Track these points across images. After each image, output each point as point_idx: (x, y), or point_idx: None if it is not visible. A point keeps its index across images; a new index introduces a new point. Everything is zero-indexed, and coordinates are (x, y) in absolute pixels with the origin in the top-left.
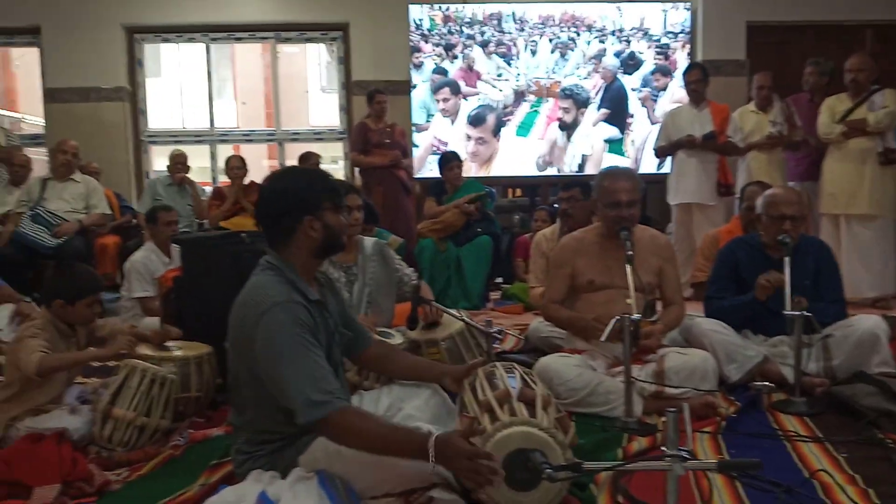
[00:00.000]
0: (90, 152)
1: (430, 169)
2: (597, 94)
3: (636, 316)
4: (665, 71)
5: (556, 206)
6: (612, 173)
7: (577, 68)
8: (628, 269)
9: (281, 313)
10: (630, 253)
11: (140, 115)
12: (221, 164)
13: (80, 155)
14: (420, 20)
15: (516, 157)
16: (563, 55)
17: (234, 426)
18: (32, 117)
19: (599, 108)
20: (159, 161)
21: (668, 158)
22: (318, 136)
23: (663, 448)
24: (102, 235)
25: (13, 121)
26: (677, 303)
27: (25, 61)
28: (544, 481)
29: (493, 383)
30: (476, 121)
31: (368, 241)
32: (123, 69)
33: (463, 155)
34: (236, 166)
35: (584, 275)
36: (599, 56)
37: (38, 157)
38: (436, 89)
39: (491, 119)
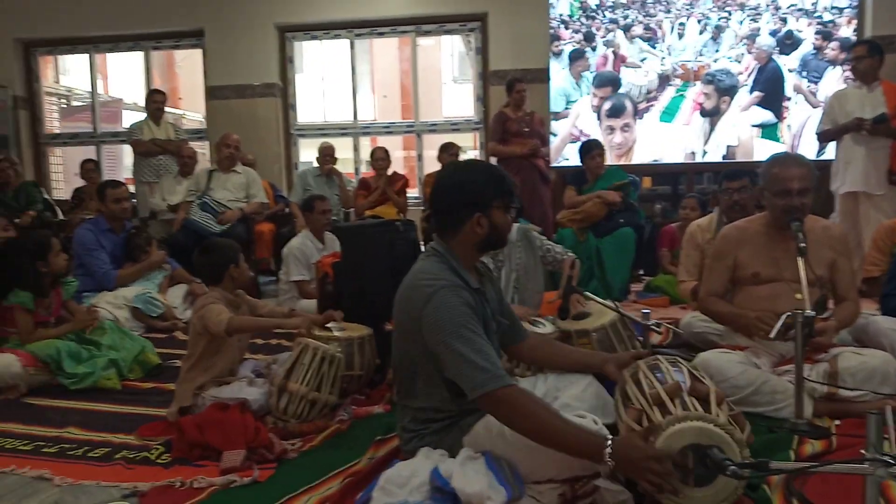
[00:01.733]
0: (246, 145)
1: (567, 158)
2: (749, 76)
3: (809, 312)
4: (830, 49)
5: (707, 194)
6: (782, 159)
7: (729, 49)
8: (800, 262)
9: (449, 294)
10: (803, 245)
11: (290, 109)
12: (363, 155)
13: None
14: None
15: (660, 143)
16: (713, 38)
17: (399, 405)
18: (192, 113)
19: (752, 90)
20: (306, 153)
21: (832, 144)
22: (455, 126)
23: (863, 451)
24: (259, 223)
25: (175, 117)
26: (851, 299)
27: (187, 63)
28: (720, 478)
29: (657, 376)
30: (614, 112)
31: (513, 227)
32: (276, 67)
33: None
34: (381, 157)
35: (747, 267)
36: (753, 36)
37: (200, 151)
38: (598, 84)
39: (629, 106)
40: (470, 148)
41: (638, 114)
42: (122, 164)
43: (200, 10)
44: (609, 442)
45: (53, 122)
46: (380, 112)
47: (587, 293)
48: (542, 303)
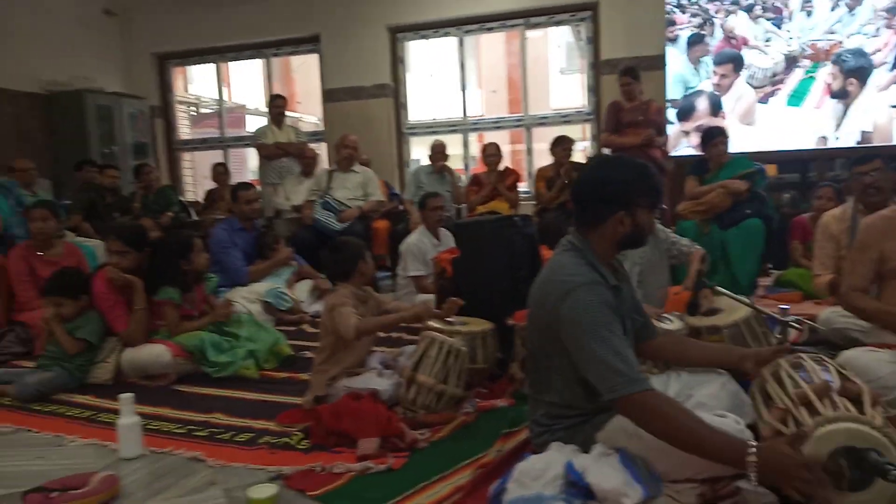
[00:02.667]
0: (360, 145)
1: (686, 147)
2: (890, 52)
3: None
4: None
5: (841, 182)
6: None
7: (865, 25)
8: None
9: (587, 292)
10: None
11: (401, 109)
12: (472, 151)
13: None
14: None
15: (786, 129)
16: (849, 10)
17: (531, 398)
18: (308, 116)
19: (893, 68)
20: (416, 151)
21: None
22: (565, 118)
23: None
24: (375, 220)
25: (292, 120)
26: None
27: (302, 67)
28: (878, 483)
29: (802, 375)
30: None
31: None
32: (387, 67)
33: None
34: (492, 153)
35: (894, 260)
36: (893, 9)
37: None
38: (719, 62)
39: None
40: (580, 140)
41: (763, 98)
42: (246, 166)
43: (316, 16)
44: (753, 449)
45: (184, 129)
46: (486, 107)
47: (718, 288)
48: (666, 298)
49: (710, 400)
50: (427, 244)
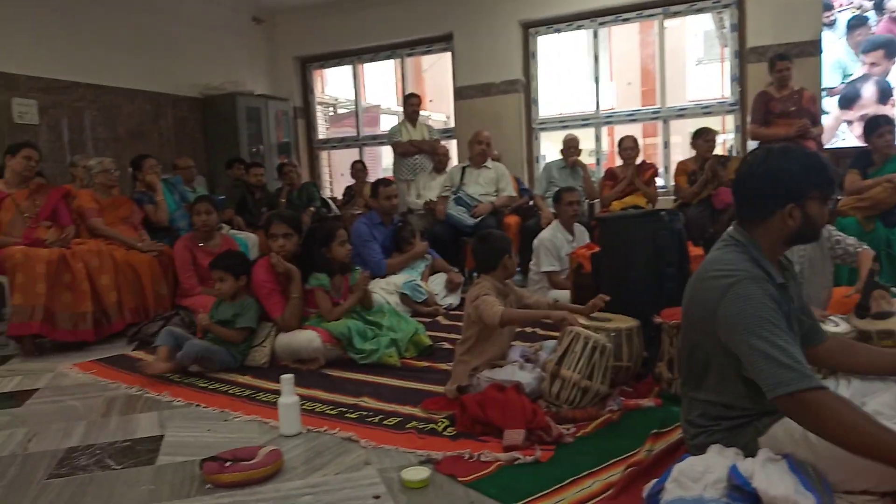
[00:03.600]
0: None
1: (843, 138)
2: None
3: None
4: None
5: None
6: None
7: None
8: None
9: (750, 286)
10: None
11: (532, 104)
12: (605, 146)
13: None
14: None
15: None
16: None
17: (686, 398)
18: (437, 114)
19: None
20: (546, 146)
21: None
22: (706, 109)
23: None
24: (506, 215)
25: (424, 118)
26: None
27: (433, 66)
28: None
29: None
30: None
31: None
32: (519, 63)
33: None
34: (630, 146)
35: None
36: None
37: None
38: (867, 49)
39: None
40: (720, 132)
41: None
42: (380, 163)
43: (450, 15)
44: None
45: (323, 129)
46: (618, 100)
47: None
48: (830, 299)
49: (887, 409)
50: (561, 239)
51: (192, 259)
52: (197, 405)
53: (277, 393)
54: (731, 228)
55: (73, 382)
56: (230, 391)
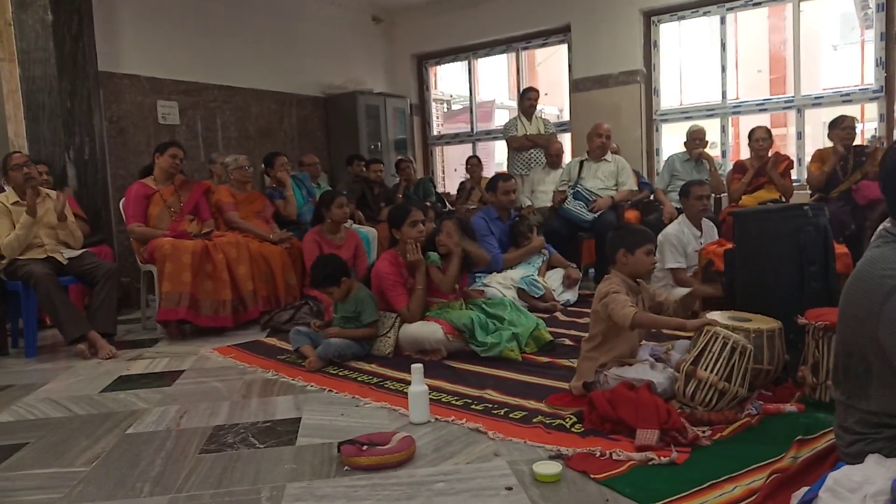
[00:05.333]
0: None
1: None
2: None
3: None
4: None
5: None
6: None
7: None
8: None
9: None
10: None
11: (653, 95)
12: (731, 137)
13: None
14: None
15: None
16: None
17: (842, 403)
18: (549, 107)
19: None
20: (667, 138)
21: None
22: (845, 97)
23: None
24: (626, 210)
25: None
26: None
27: (547, 59)
28: None
29: None
30: None
31: None
32: (639, 53)
33: None
34: (761, 137)
35: None
36: None
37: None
38: None
39: None
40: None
41: None
42: (493, 159)
43: (568, 6)
44: None
45: (437, 125)
46: (743, 89)
47: None
48: None
49: None
50: (688, 235)
51: (320, 251)
52: (329, 390)
53: (403, 381)
54: (886, 224)
55: (215, 365)
56: (359, 378)
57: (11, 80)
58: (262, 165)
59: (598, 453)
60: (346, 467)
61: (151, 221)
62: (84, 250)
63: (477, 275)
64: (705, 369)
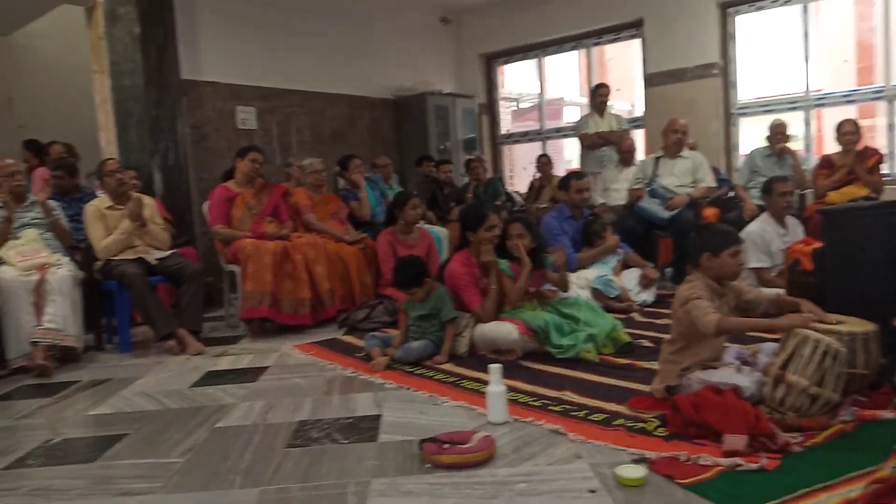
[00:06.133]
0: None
1: None
2: None
3: None
4: None
5: None
6: None
7: None
8: None
9: None
10: None
11: (730, 88)
12: (814, 130)
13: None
14: None
15: None
16: None
17: None
18: (619, 103)
19: None
20: (747, 132)
21: None
22: None
23: None
24: (704, 207)
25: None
26: None
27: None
28: None
29: None
30: None
31: None
32: (716, 45)
33: None
34: (850, 131)
35: None
36: None
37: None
38: None
39: None
40: None
41: None
42: (562, 157)
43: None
44: None
45: (506, 124)
46: (826, 80)
47: None
48: None
49: None
50: (772, 233)
51: (393, 251)
52: (407, 388)
53: (480, 381)
54: None
55: (296, 362)
56: (435, 377)
57: (103, 90)
58: (337, 168)
59: (684, 458)
60: (427, 465)
61: (234, 223)
62: (171, 251)
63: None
64: (796, 374)
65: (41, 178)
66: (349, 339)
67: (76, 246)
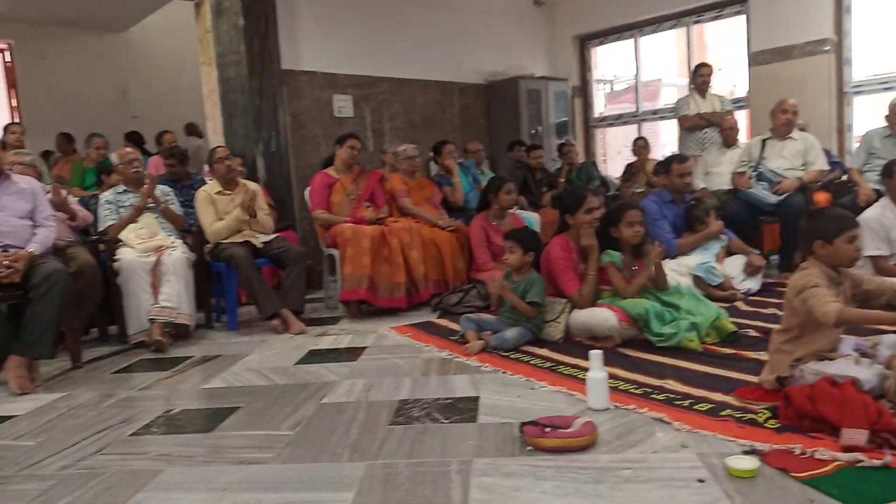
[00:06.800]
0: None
1: None
2: None
3: None
4: None
5: None
6: None
7: None
8: None
9: None
10: None
11: (844, 65)
12: None
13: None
14: None
15: None
16: None
17: None
18: (721, 83)
19: None
20: (861, 112)
21: None
22: None
23: None
24: (815, 192)
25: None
26: None
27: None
28: None
29: None
30: None
31: None
32: (829, 20)
33: None
34: None
35: None
36: None
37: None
38: None
39: None
40: None
41: None
42: (658, 139)
43: None
44: None
45: (600, 106)
46: None
47: None
48: None
49: None
50: (892, 219)
51: (486, 237)
52: (503, 372)
53: (577, 367)
54: None
55: (393, 343)
56: (531, 361)
57: (210, 81)
58: (431, 153)
59: (798, 451)
60: (528, 447)
61: (333, 209)
62: (275, 235)
63: None
64: None
65: (154, 166)
66: (443, 322)
67: (188, 230)
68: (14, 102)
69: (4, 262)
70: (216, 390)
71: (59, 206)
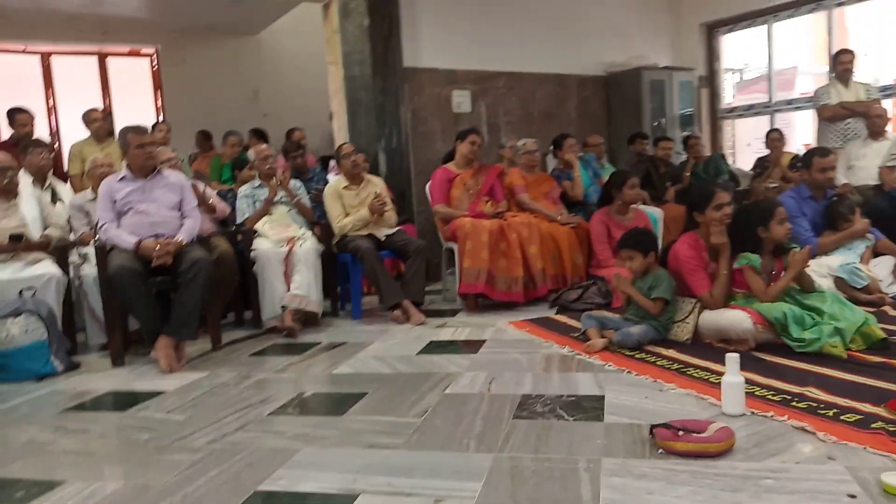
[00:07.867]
0: None
1: None
2: None
3: None
4: None
5: None
6: None
7: None
8: None
9: None
10: None
11: None
12: None
13: None
14: None
15: None
16: None
17: None
18: (864, 71)
19: None
20: None
21: None
22: None
23: None
24: None
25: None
26: None
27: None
28: None
29: None
30: None
31: None
32: None
33: None
34: None
35: None
36: None
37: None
38: None
39: None
40: None
41: None
42: (793, 131)
43: None
44: None
45: (728, 97)
46: None
47: None
48: None
49: None
50: None
51: (607, 232)
52: (628, 372)
53: (707, 369)
54: None
55: (512, 338)
56: (657, 362)
57: (336, 80)
58: (551, 147)
59: None
60: (660, 450)
61: (453, 203)
62: (397, 228)
63: None
64: None
65: (282, 165)
66: (562, 318)
67: (316, 221)
68: (159, 103)
69: (160, 249)
70: (344, 376)
71: (199, 199)
